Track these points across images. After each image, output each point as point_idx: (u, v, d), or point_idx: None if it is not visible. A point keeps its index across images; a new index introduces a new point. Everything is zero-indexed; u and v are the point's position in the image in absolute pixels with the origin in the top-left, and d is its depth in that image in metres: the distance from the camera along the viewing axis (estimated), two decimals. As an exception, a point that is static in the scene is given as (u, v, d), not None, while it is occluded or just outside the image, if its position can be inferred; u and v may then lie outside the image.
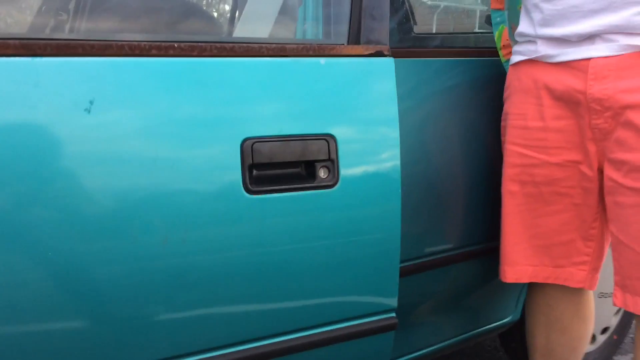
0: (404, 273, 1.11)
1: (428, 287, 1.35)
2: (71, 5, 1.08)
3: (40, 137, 0.79)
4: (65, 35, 0.83)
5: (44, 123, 0.80)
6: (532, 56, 1.23)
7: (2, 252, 0.78)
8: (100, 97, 0.83)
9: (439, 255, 1.33)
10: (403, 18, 1.79)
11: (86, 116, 0.82)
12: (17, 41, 0.80)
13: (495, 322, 1.58)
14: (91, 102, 0.82)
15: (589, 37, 1.14)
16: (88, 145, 0.82)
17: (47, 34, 1.06)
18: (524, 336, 1.59)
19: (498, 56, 1.43)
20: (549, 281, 1.32)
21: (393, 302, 1.06)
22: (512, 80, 1.30)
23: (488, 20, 1.92)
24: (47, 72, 0.80)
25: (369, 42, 1.03)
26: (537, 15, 1.20)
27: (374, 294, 1.05)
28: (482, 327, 1.56)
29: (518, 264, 1.32)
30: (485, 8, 2.47)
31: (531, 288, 1.45)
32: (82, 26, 1.03)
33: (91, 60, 0.84)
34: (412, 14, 1.99)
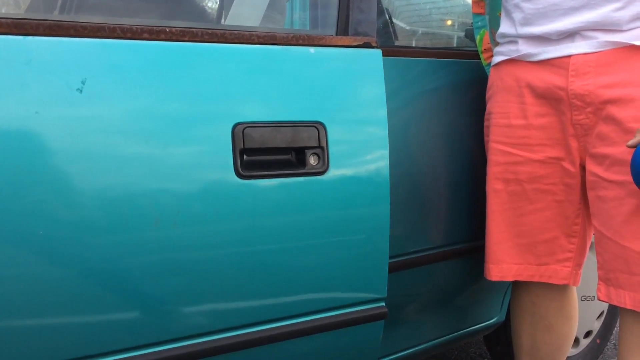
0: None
1: (411, 285, 1.35)
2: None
3: (32, 114, 0.79)
4: (57, 16, 0.83)
5: (35, 100, 0.79)
6: (514, 55, 1.26)
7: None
8: (91, 77, 0.83)
9: (422, 253, 1.34)
10: (386, 35, 1.83)
11: (78, 96, 0.82)
12: (9, 20, 0.80)
13: (481, 323, 1.58)
14: (83, 83, 0.82)
15: (569, 35, 1.18)
16: (79, 124, 0.82)
17: (39, 15, 1.06)
18: (509, 339, 1.59)
19: (480, 59, 1.47)
20: (534, 279, 1.33)
21: (383, 291, 1.06)
22: (495, 80, 1.33)
23: (468, 35, 1.97)
24: (39, 50, 0.80)
25: (357, 33, 1.05)
26: (518, 15, 1.23)
27: (364, 283, 1.05)
28: (467, 328, 1.56)
29: (503, 262, 1.33)
30: (462, 34, 2.53)
31: (515, 286, 1.46)
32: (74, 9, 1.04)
33: (83, 41, 0.84)
34: (395, 32, 2.03)
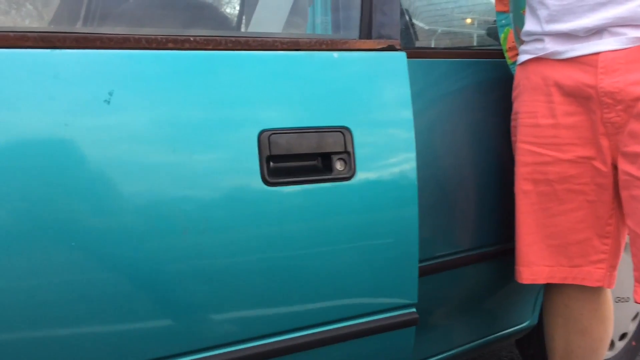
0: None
1: (441, 289, 1.34)
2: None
3: (61, 127, 0.79)
4: (83, 29, 0.83)
5: (64, 112, 0.80)
6: (540, 54, 1.24)
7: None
8: (119, 88, 0.83)
9: (452, 257, 1.32)
10: (406, 37, 1.82)
11: (106, 107, 0.82)
12: (36, 34, 0.80)
13: (512, 327, 1.55)
14: (110, 94, 0.83)
15: (597, 31, 1.15)
16: (107, 135, 0.82)
17: (65, 28, 1.07)
18: (542, 342, 1.56)
19: (504, 58, 1.45)
20: (567, 281, 1.31)
21: (413, 297, 1.05)
22: (521, 79, 1.31)
23: (490, 34, 1.95)
24: (66, 63, 0.81)
25: (380, 36, 1.04)
26: (543, 12, 1.21)
27: (393, 288, 1.03)
28: (498, 332, 1.53)
29: (534, 264, 1.30)
30: (483, 32, 2.51)
31: (548, 289, 1.43)
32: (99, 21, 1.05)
33: (109, 52, 0.84)
34: (415, 32, 2.02)
